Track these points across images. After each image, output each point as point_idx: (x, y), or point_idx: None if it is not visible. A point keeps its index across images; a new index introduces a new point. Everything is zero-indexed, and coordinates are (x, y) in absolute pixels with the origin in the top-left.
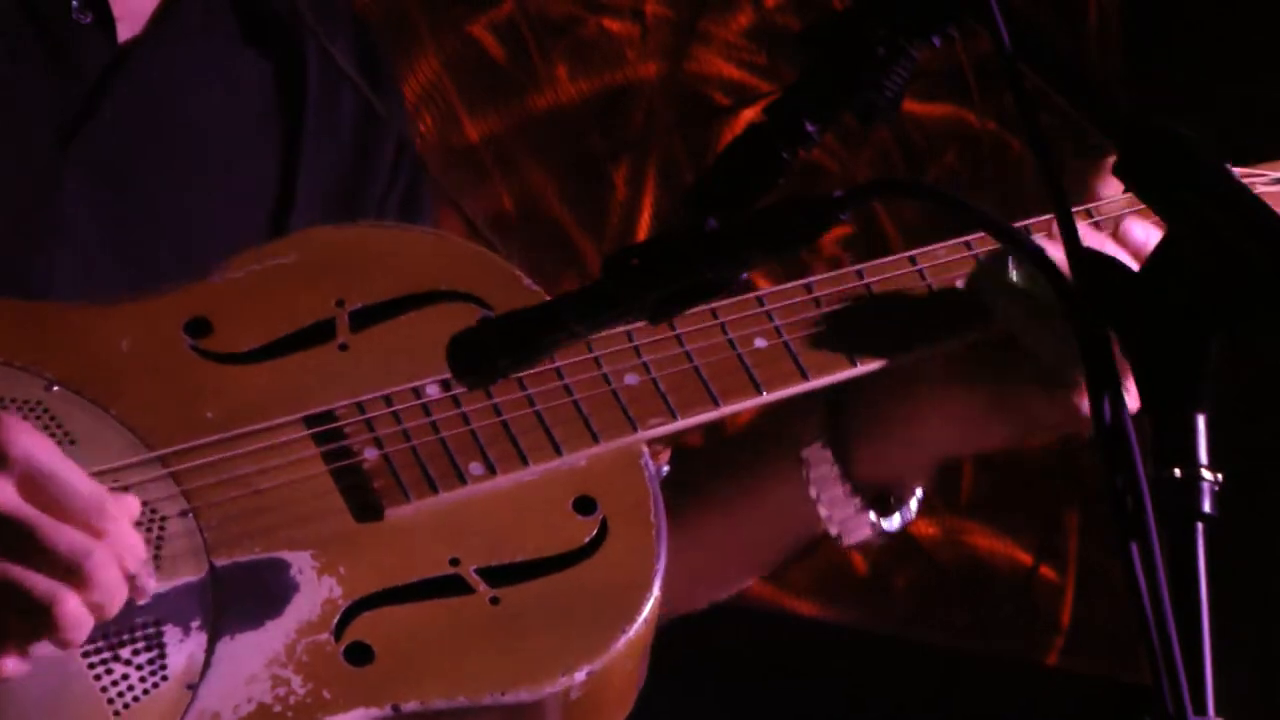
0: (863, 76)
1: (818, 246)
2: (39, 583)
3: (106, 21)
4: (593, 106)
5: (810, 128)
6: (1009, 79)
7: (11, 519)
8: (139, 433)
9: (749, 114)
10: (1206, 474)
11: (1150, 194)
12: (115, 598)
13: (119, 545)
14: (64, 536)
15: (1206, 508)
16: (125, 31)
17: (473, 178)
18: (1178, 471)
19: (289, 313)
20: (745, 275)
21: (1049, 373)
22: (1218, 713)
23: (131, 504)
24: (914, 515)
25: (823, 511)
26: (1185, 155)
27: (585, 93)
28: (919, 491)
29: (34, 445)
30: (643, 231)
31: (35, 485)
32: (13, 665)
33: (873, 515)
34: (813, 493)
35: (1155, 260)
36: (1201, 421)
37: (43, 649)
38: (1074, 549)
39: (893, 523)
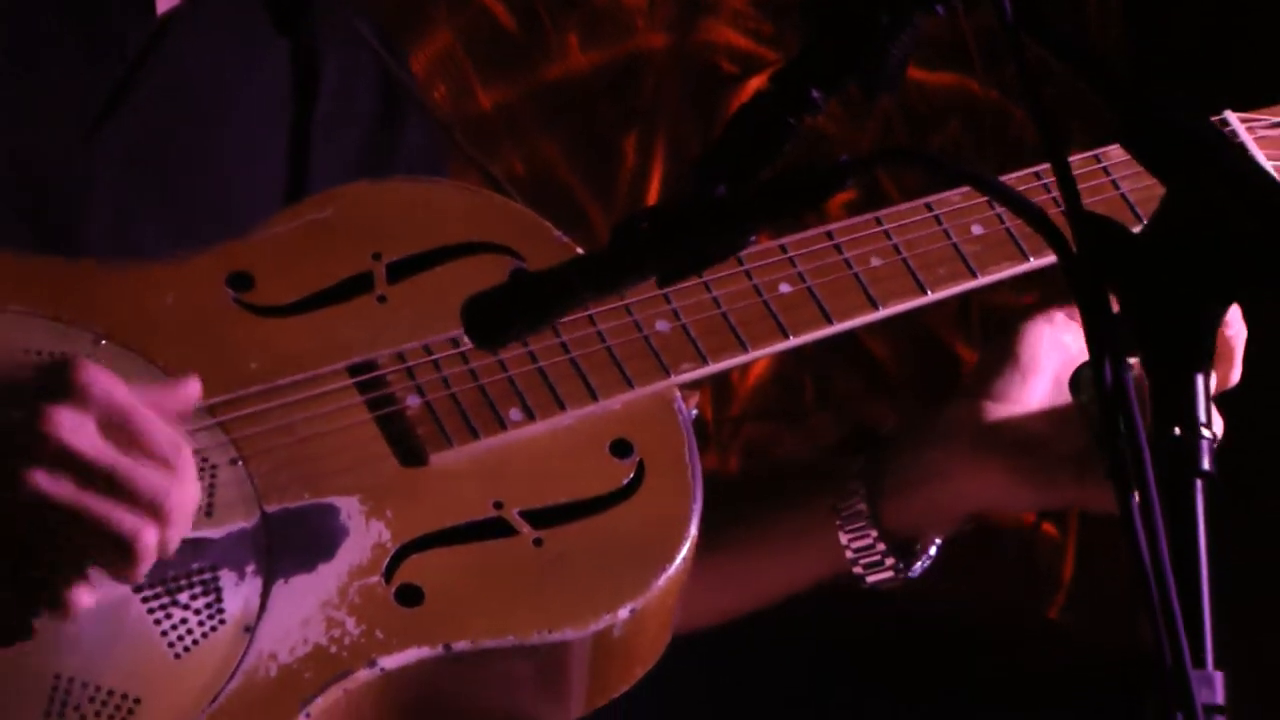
0: (867, 45)
1: (824, 212)
2: (125, 519)
3: None
4: (603, 76)
5: (816, 95)
6: (1011, 49)
7: (96, 458)
8: None
9: (756, 82)
10: (1205, 432)
11: (1151, 161)
12: (182, 535)
13: (190, 487)
14: (145, 475)
15: (1205, 465)
16: (164, 3)
17: (485, 146)
18: (1177, 430)
19: (328, 266)
20: (753, 240)
21: (1086, 463)
22: (1215, 666)
23: (193, 389)
24: (933, 560)
25: (849, 554)
26: (1184, 123)
27: (595, 62)
28: (939, 541)
29: (113, 387)
30: (652, 198)
31: (115, 425)
32: (86, 597)
33: (897, 561)
34: (843, 538)
35: (1156, 225)
36: (1200, 382)
37: (106, 584)
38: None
39: (914, 569)
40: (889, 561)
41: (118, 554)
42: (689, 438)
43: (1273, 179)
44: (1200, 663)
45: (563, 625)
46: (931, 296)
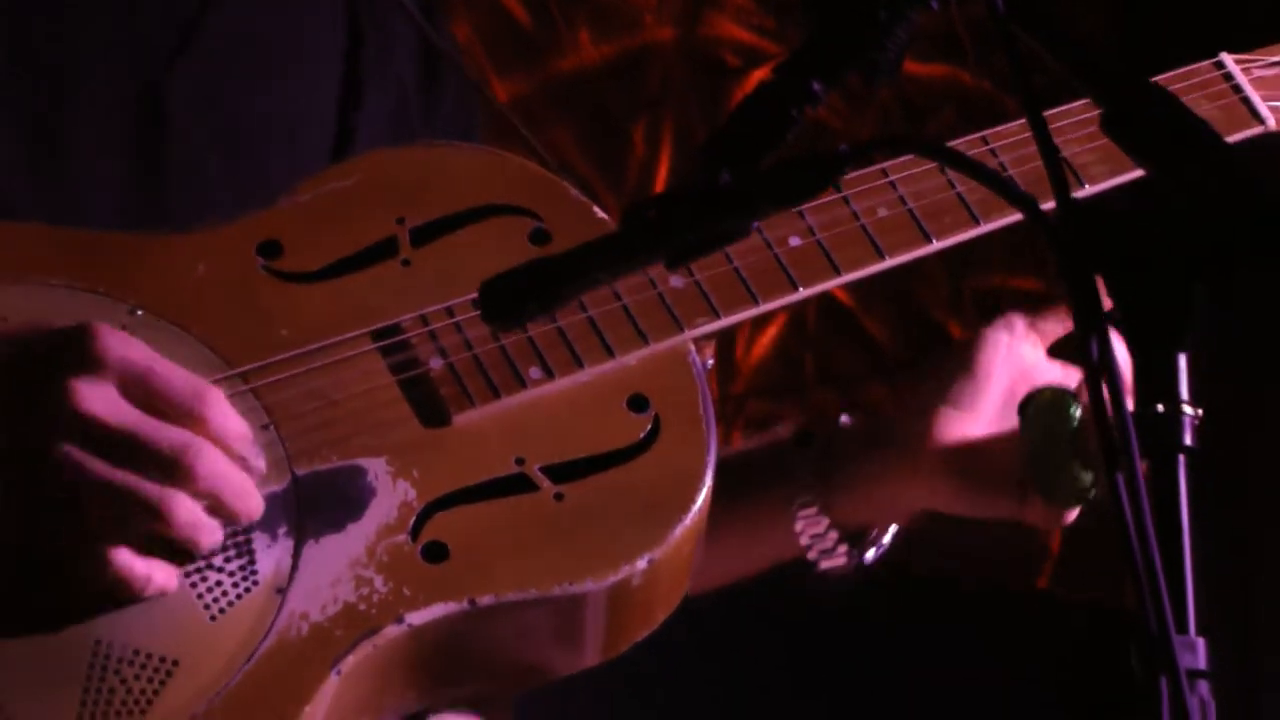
0: (865, 38)
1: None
2: (146, 486)
3: None
4: (613, 68)
5: (816, 87)
6: (1002, 41)
7: (115, 425)
8: (219, 351)
9: (759, 74)
10: (1187, 409)
11: (1136, 148)
12: (227, 486)
13: (221, 431)
14: (164, 435)
15: (1188, 440)
16: None
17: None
18: (1160, 407)
19: (354, 232)
20: (755, 227)
21: (1028, 486)
22: (1197, 633)
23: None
24: (887, 548)
25: (804, 541)
26: (1167, 111)
27: (606, 55)
28: (892, 530)
29: (128, 348)
30: (660, 184)
31: (134, 386)
32: (164, 576)
33: (850, 548)
34: (798, 526)
35: (1140, 209)
36: (1183, 361)
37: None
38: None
39: (867, 557)
40: (842, 549)
41: (157, 521)
42: (703, 390)
43: (1248, 163)
44: (1183, 629)
45: (583, 577)
46: (937, 245)
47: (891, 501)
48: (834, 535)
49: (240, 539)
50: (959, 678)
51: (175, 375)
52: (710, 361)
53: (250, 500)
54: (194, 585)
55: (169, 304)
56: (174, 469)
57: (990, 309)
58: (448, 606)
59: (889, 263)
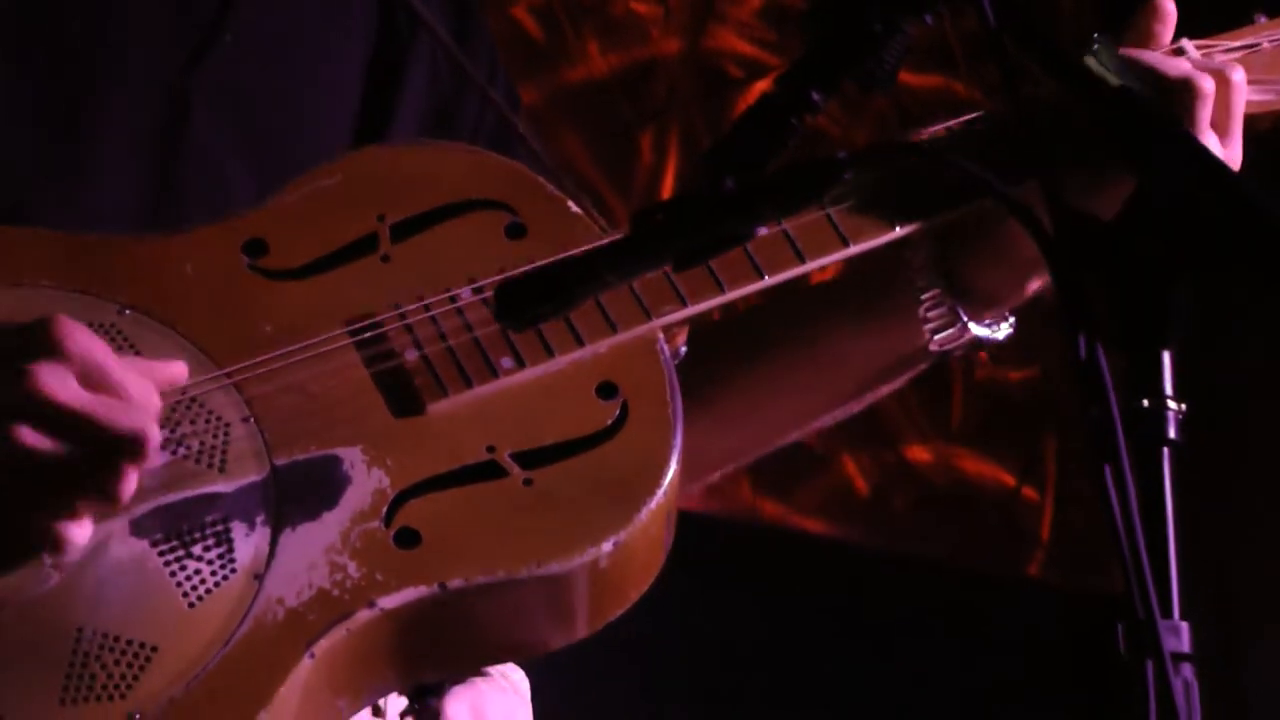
0: (862, 51)
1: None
2: (107, 461)
3: None
4: (621, 79)
5: (816, 97)
6: (994, 52)
7: (79, 406)
8: (204, 347)
9: (761, 85)
10: (1172, 404)
11: (1121, 154)
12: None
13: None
14: (124, 417)
15: (1172, 434)
16: None
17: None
18: (1146, 402)
19: (336, 230)
20: (759, 230)
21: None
22: (1181, 617)
23: (178, 369)
24: (1001, 336)
25: (924, 317)
26: (1153, 119)
27: (614, 67)
28: (1011, 320)
29: (89, 341)
30: (667, 191)
31: (92, 375)
32: (79, 533)
33: (970, 322)
34: (921, 309)
35: (1127, 213)
36: (1168, 358)
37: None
38: (1052, 471)
39: (981, 331)
40: (960, 321)
41: (103, 496)
42: (670, 377)
43: (1232, 170)
44: (1168, 613)
45: (550, 559)
46: (899, 231)
47: (1011, 258)
48: (954, 307)
49: (220, 528)
50: (952, 661)
51: (129, 374)
52: (683, 349)
53: None
54: (173, 574)
55: (156, 303)
56: (136, 449)
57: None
58: (419, 590)
59: (853, 249)
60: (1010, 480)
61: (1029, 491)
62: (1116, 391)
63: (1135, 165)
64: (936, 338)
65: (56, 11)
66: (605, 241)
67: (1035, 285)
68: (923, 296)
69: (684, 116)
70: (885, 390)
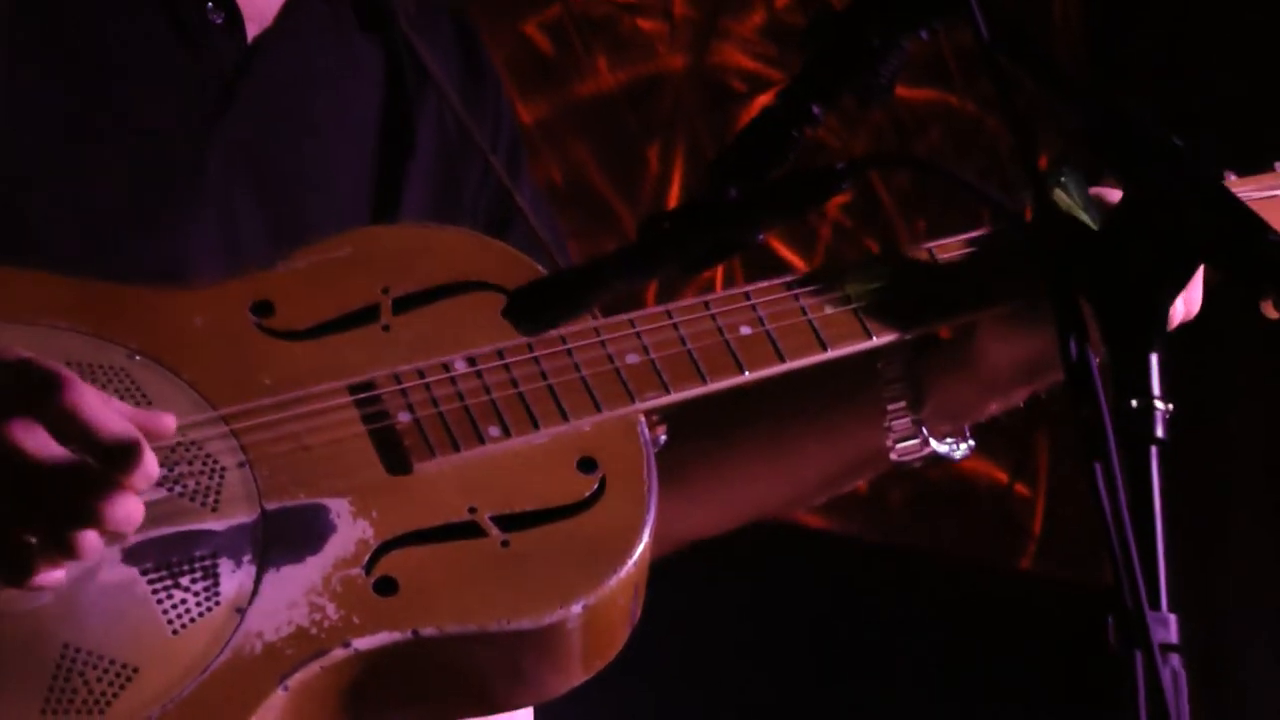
0: (860, 66)
1: (823, 210)
2: (66, 525)
3: (236, 21)
4: (628, 93)
5: (816, 110)
6: (987, 65)
7: (43, 462)
8: (206, 395)
9: (763, 99)
10: (1159, 404)
11: (1112, 164)
12: (132, 525)
13: (144, 474)
14: (90, 485)
15: (1160, 433)
16: (254, 28)
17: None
18: (1135, 402)
19: (341, 297)
20: (762, 237)
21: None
22: (1169, 609)
23: (166, 421)
24: (959, 456)
25: (888, 428)
26: (1140, 131)
27: (622, 82)
28: (970, 442)
29: (77, 396)
30: (673, 200)
31: (66, 425)
32: (51, 576)
33: (932, 441)
34: (885, 420)
35: (1115, 221)
36: (1155, 360)
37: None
38: (1044, 467)
39: (940, 448)
40: (921, 436)
41: (65, 555)
42: (648, 458)
43: (1212, 177)
44: (1156, 605)
45: (520, 617)
46: (875, 341)
47: (978, 383)
48: (916, 424)
49: (208, 562)
50: (947, 648)
51: (105, 415)
52: (663, 438)
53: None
54: (159, 601)
55: (164, 350)
56: (89, 511)
57: None
58: (392, 635)
59: (830, 354)
60: (1004, 476)
61: (1022, 487)
62: (1106, 392)
63: (1125, 175)
64: (897, 448)
65: (83, 67)
66: (614, 249)
67: (995, 407)
68: (889, 407)
69: (689, 129)
70: (845, 487)
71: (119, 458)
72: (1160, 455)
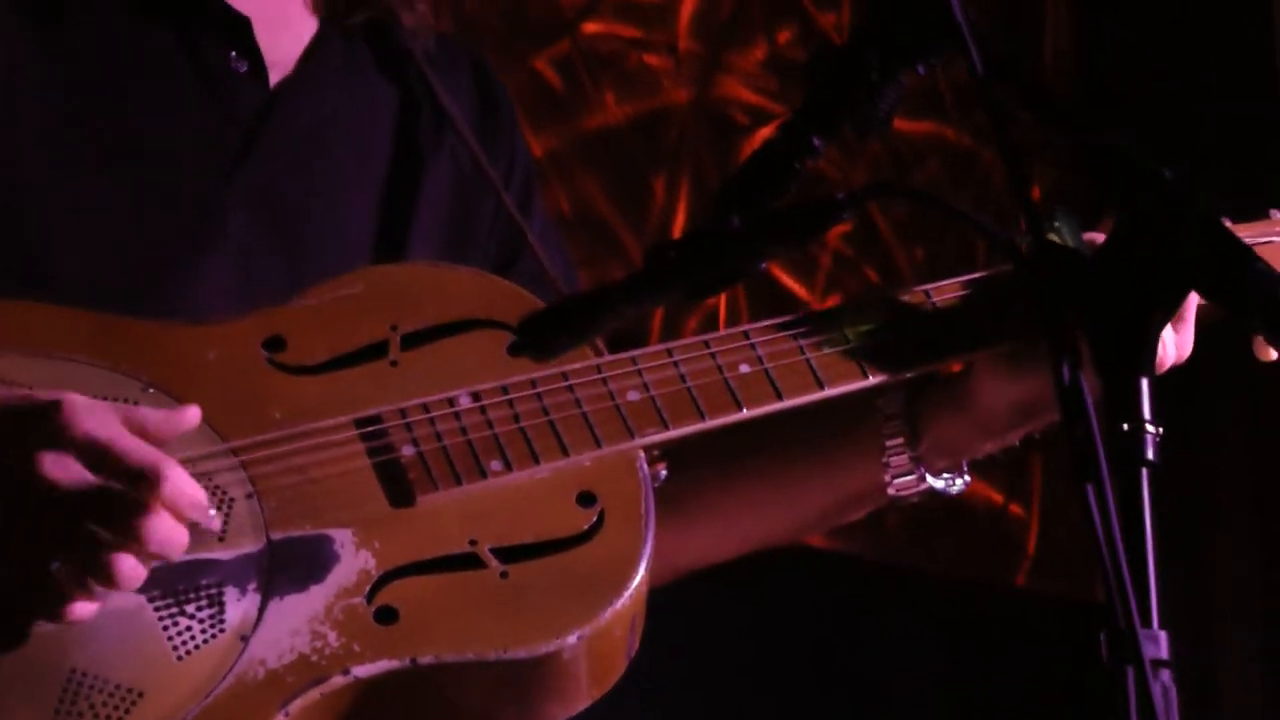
0: (859, 99)
1: (824, 240)
2: (98, 548)
3: (259, 69)
4: (635, 126)
5: (816, 142)
6: (982, 99)
7: (75, 489)
8: (216, 427)
9: (765, 131)
10: (1149, 427)
11: (1103, 194)
12: (174, 546)
13: (175, 498)
14: (118, 502)
15: (1150, 455)
16: (276, 75)
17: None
18: (1125, 425)
19: (351, 334)
20: (764, 265)
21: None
22: (1160, 626)
23: (191, 414)
24: (955, 491)
25: (886, 464)
26: (1131, 162)
27: (629, 115)
28: (966, 477)
29: (93, 422)
30: (678, 229)
31: (96, 456)
32: (81, 609)
33: (926, 474)
34: (884, 456)
35: (1107, 250)
36: (1145, 383)
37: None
38: (1038, 489)
39: (938, 483)
40: (918, 472)
41: (100, 573)
42: (647, 493)
43: (1201, 207)
44: (1147, 623)
45: (517, 647)
46: (871, 381)
47: (973, 424)
48: (914, 459)
49: (214, 590)
50: (944, 664)
51: (134, 450)
52: (663, 474)
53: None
54: (166, 628)
55: (177, 383)
56: (128, 532)
57: None
58: (391, 663)
59: (827, 393)
60: (999, 497)
61: (1016, 508)
62: (1098, 415)
63: (1115, 204)
64: (895, 483)
65: (110, 111)
66: (621, 277)
67: (990, 446)
68: (887, 443)
69: (694, 160)
70: (844, 520)
71: (148, 474)
72: (1151, 477)
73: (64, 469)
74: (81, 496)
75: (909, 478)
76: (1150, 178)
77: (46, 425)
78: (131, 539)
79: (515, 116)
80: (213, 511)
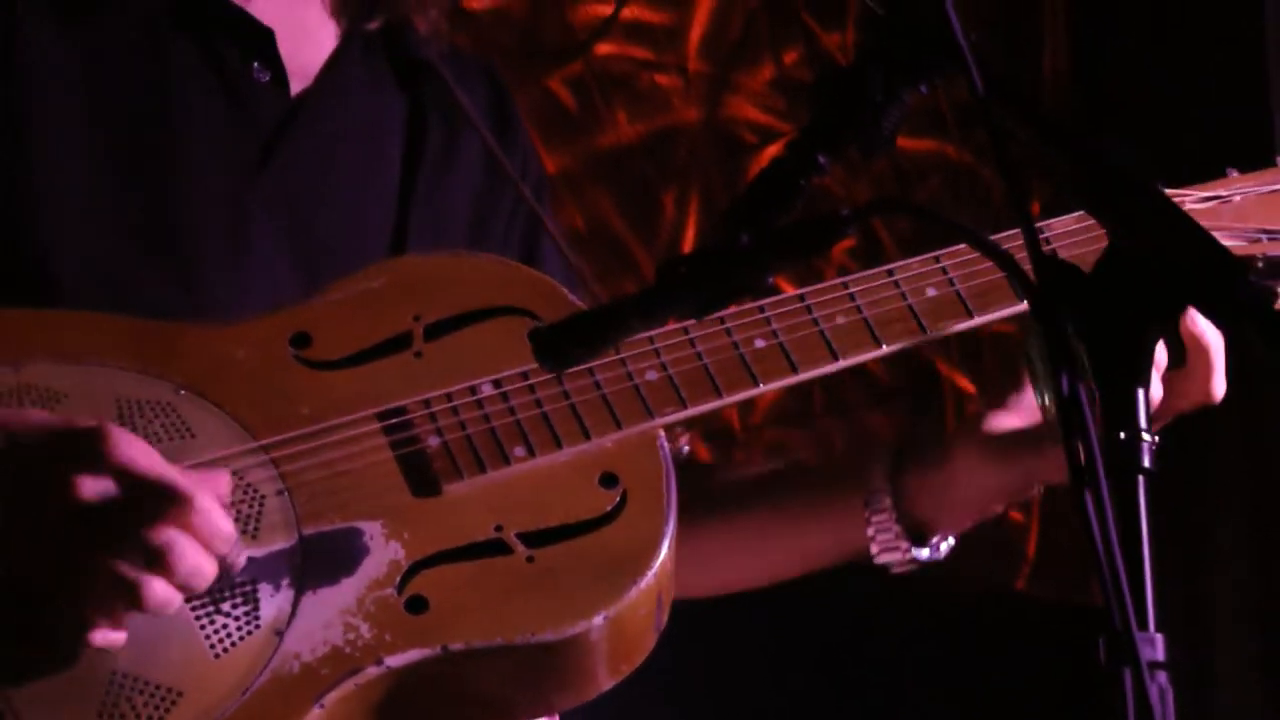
0: (864, 118)
1: (829, 255)
2: (129, 570)
3: (281, 78)
4: (646, 144)
5: (822, 160)
6: (982, 117)
7: (110, 512)
8: (247, 426)
9: (772, 149)
10: (1146, 436)
11: (1100, 211)
12: (200, 578)
13: (207, 532)
14: (152, 531)
15: (1146, 463)
16: (297, 85)
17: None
18: (1122, 434)
19: (375, 327)
20: (771, 280)
21: (1041, 433)
22: (1156, 629)
23: (222, 482)
24: (942, 555)
25: (872, 537)
26: (1127, 180)
27: (640, 133)
28: (951, 540)
29: (131, 451)
30: (688, 245)
31: (132, 485)
32: (104, 637)
33: (911, 547)
34: (869, 530)
35: (1104, 264)
36: (1141, 394)
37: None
38: (1037, 495)
39: (923, 554)
40: (903, 546)
41: (129, 598)
42: (668, 472)
43: (1195, 222)
44: (1144, 626)
45: (544, 629)
46: (885, 349)
47: (956, 496)
48: (900, 532)
49: (248, 588)
50: (947, 665)
51: (171, 480)
52: (685, 448)
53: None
54: (202, 627)
55: (209, 384)
56: (158, 561)
57: (971, 351)
58: (423, 651)
59: (841, 363)
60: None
61: (1016, 514)
62: (1096, 425)
63: (1110, 220)
64: (880, 556)
65: (136, 120)
66: (633, 292)
67: (970, 521)
68: (873, 518)
69: (703, 178)
70: (828, 566)
71: (180, 503)
72: (1147, 484)
73: (101, 492)
74: (115, 520)
75: (894, 554)
76: (1144, 193)
77: (87, 448)
78: (159, 567)
79: (526, 129)
80: (242, 557)
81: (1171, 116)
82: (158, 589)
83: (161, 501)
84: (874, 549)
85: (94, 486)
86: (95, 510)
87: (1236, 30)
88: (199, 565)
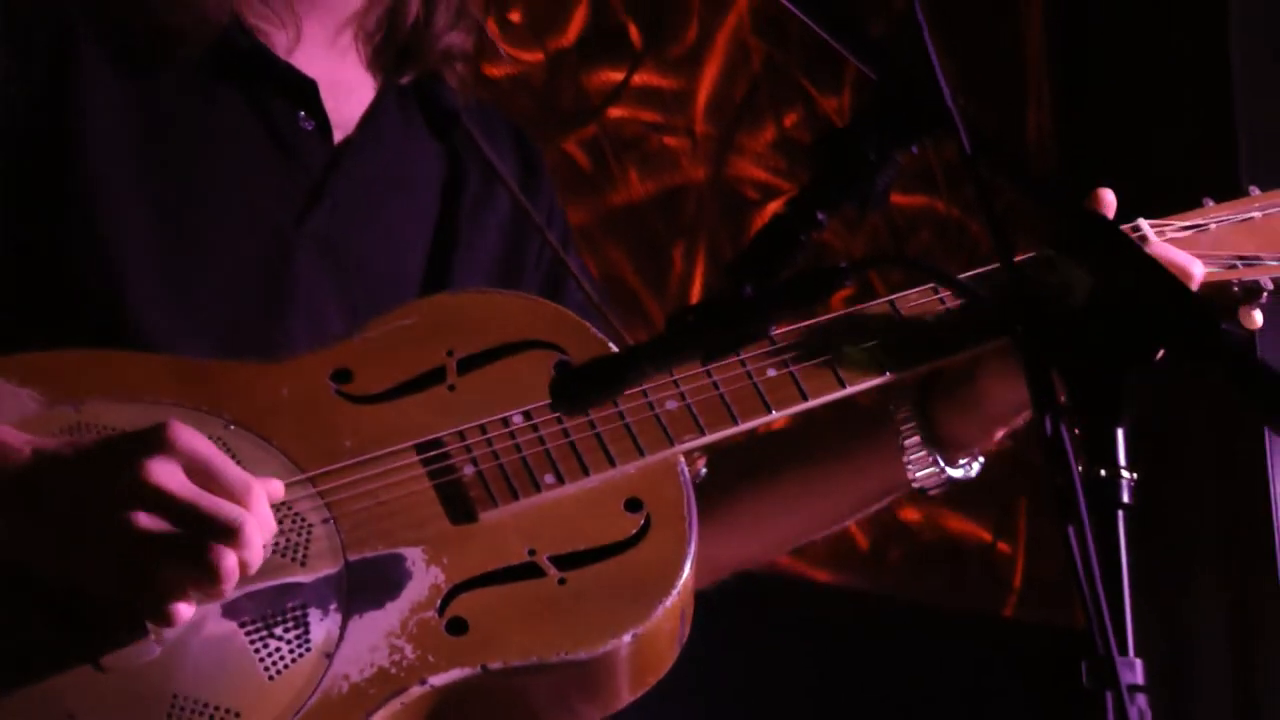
0: (859, 177)
1: (828, 305)
2: (210, 547)
3: (325, 127)
4: (656, 201)
5: (820, 216)
6: (970, 175)
7: (184, 496)
8: (294, 458)
9: (774, 206)
10: (1125, 473)
11: (1081, 260)
12: (258, 559)
13: (264, 515)
14: (225, 508)
15: (1125, 499)
16: (339, 134)
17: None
18: (1103, 471)
19: (411, 362)
20: (774, 329)
21: None
22: (1135, 654)
23: (275, 486)
24: (974, 475)
25: (907, 462)
26: (1106, 231)
27: (650, 191)
28: (981, 459)
29: (196, 440)
30: (695, 295)
31: (197, 470)
32: (185, 610)
33: (946, 467)
34: (905, 456)
35: (1085, 311)
36: (1120, 433)
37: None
38: (1023, 527)
39: (957, 473)
40: (939, 466)
41: (206, 573)
42: (689, 496)
43: (1169, 273)
44: (1124, 651)
45: (578, 647)
46: (890, 377)
47: (980, 414)
48: (933, 457)
49: (299, 613)
50: (937, 688)
51: (231, 468)
52: (703, 471)
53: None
54: (256, 650)
55: (256, 419)
56: (232, 535)
57: None
58: (464, 671)
59: (848, 390)
60: (988, 536)
61: (1004, 545)
62: (1078, 462)
63: (1091, 270)
64: (918, 475)
65: (184, 163)
66: (644, 340)
67: (1000, 433)
68: (905, 443)
69: (710, 232)
70: (872, 510)
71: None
72: (1126, 518)
73: (171, 475)
74: (188, 498)
75: (930, 470)
76: (1123, 245)
77: (155, 437)
78: (233, 541)
79: (550, 181)
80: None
81: (1148, 152)
82: (231, 561)
83: (234, 484)
84: (910, 471)
85: (164, 469)
86: (165, 491)
87: (1203, 88)
88: (258, 546)
